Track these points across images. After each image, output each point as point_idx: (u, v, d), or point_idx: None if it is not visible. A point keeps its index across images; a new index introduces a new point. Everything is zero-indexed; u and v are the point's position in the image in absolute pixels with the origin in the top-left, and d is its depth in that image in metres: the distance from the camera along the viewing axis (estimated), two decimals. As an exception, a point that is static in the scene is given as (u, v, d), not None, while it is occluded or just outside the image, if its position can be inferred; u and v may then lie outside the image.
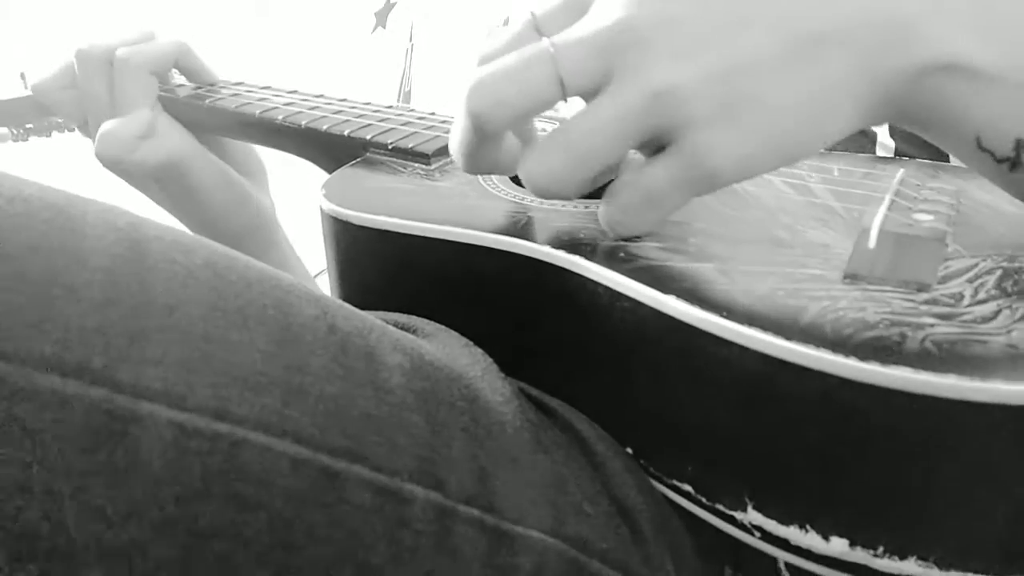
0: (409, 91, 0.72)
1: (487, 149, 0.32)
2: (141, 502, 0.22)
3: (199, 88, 0.57)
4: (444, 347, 0.33)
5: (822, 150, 0.45)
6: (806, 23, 0.28)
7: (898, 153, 0.48)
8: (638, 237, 0.33)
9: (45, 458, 0.21)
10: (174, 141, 0.52)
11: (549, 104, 0.29)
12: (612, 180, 0.32)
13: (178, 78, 0.59)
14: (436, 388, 0.29)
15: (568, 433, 0.33)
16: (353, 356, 0.27)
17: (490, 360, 0.32)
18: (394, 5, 0.76)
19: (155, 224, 0.27)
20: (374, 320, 0.30)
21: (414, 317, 0.36)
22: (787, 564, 0.29)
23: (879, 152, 0.49)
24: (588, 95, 0.30)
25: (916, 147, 0.46)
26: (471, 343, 0.33)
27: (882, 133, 0.49)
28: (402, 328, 0.34)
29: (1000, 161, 0.29)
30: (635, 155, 0.32)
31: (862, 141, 0.49)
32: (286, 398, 0.25)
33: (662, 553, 0.31)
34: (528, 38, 0.31)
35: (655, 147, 0.30)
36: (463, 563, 0.26)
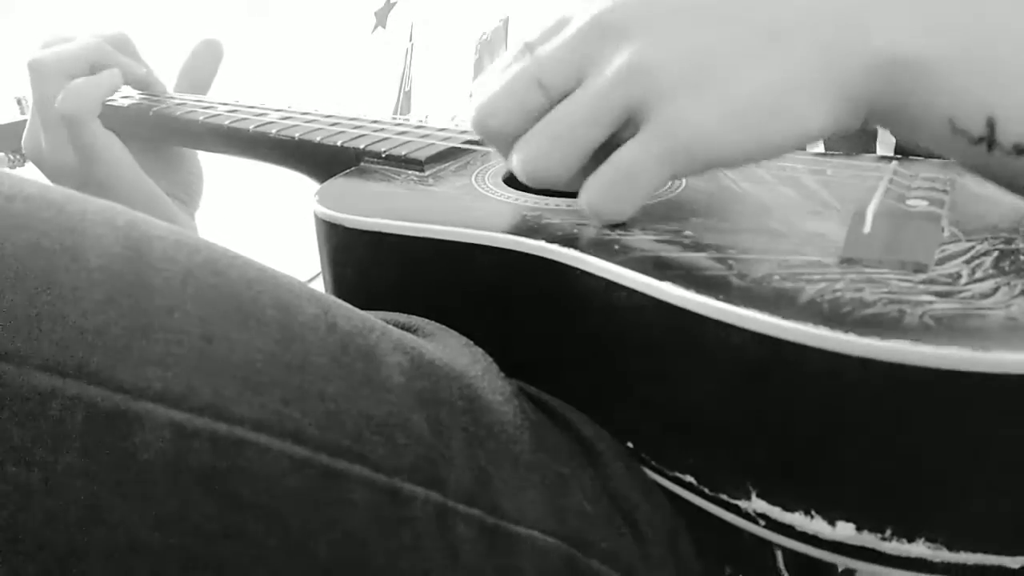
0: (409, 91, 0.72)
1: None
2: (141, 502, 0.22)
3: (148, 96, 0.56)
4: (444, 347, 0.33)
5: (813, 148, 0.45)
6: (761, 18, 0.30)
7: (898, 150, 0.48)
8: (623, 225, 0.33)
9: (44, 458, 0.21)
10: (112, 157, 0.52)
11: (536, 110, 0.32)
12: None
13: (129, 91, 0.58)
14: (436, 388, 0.29)
15: (569, 432, 0.33)
16: (353, 355, 0.27)
17: (490, 360, 0.32)
18: (394, 5, 0.76)
19: (156, 223, 0.26)
20: (374, 320, 0.30)
21: (414, 317, 0.36)
22: (787, 562, 0.29)
23: (880, 149, 0.49)
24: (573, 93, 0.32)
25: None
26: (471, 343, 0.33)
27: (883, 130, 0.49)
28: (402, 328, 0.34)
29: (976, 143, 0.29)
30: None
31: (863, 139, 0.49)
32: (286, 398, 0.25)
33: (662, 553, 0.31)
34: (520, 60, 0.34)
35: (633, 132, 0.31)
36: (463, 563, 0.26)
